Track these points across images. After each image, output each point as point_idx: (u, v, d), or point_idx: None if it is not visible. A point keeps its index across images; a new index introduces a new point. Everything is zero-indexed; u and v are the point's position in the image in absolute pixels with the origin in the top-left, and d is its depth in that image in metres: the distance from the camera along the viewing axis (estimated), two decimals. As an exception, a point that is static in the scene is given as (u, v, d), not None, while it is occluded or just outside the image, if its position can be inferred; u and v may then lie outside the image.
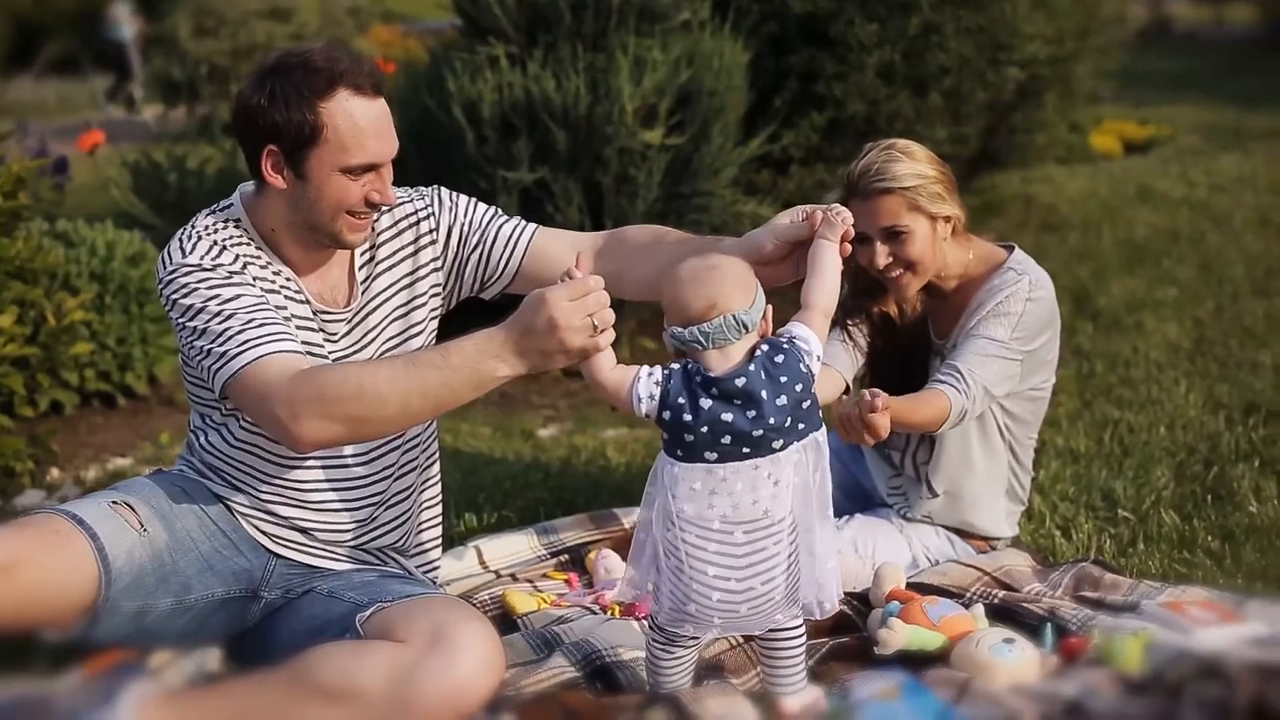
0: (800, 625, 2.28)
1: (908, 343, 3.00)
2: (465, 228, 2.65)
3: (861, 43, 5.51)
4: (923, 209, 2.79)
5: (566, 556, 3.19)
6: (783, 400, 2.11)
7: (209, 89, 11.46)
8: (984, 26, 5.79)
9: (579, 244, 2.65)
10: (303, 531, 2.55)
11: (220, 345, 2.29)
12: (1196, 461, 3.68)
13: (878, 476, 3.14)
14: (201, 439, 2.55)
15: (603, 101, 4.77)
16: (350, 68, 2.36)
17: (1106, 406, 4.23)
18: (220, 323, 2.31)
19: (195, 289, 2.34)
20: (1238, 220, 6.77)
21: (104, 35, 16.48)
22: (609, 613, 2.83)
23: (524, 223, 2.69)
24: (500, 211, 2.71)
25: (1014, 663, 2.38)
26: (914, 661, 2.46)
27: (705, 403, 2.11)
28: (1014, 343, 2.81)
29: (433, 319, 2.67)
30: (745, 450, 2.11)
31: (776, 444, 2.12)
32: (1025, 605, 2.67)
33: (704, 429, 2.11)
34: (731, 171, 5.19)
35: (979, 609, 2.59)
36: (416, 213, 2.64)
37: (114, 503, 2.39)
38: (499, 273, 2.66)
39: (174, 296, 2.36)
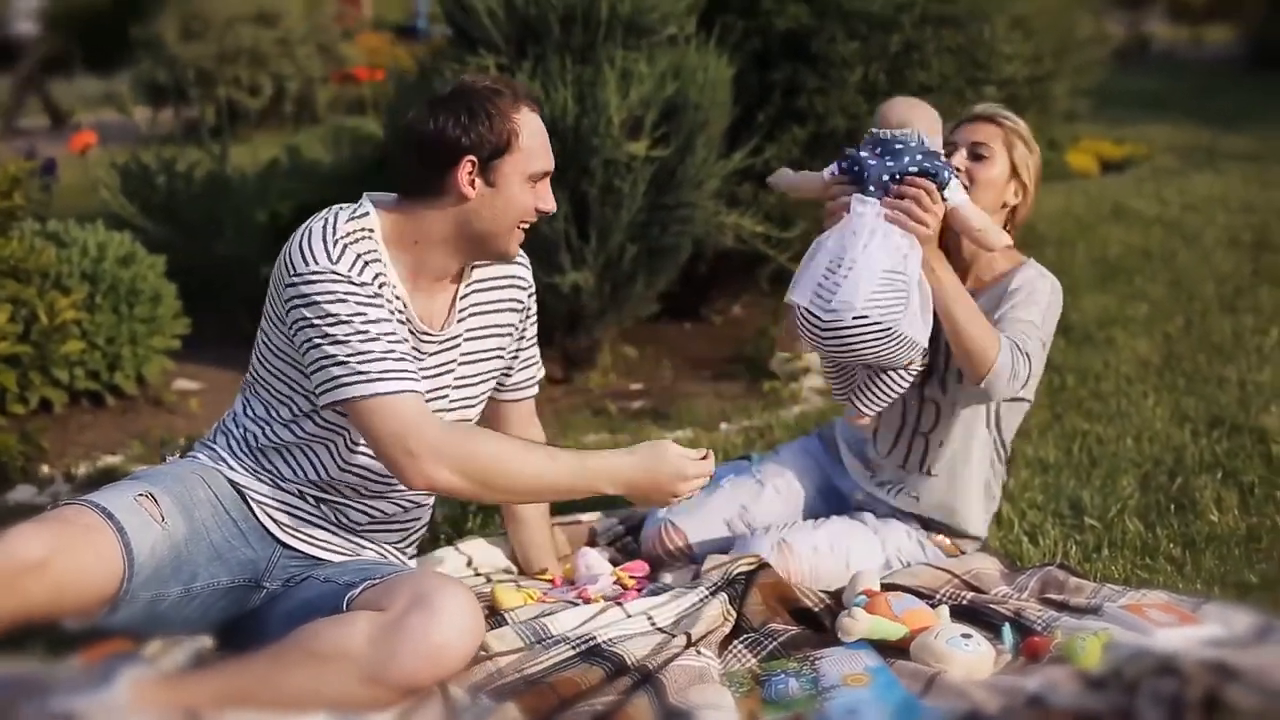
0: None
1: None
2: (524, 328, 2.87)
3: (844, 59, 5.60)
4: (1012, 151, 2.96)
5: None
6: (905, 160, 2.76)
7: (196, 92, 11.47)
8: (963, 45, 5.88)
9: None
10: (321, 519, 2.66)
11: (360, 363, 2.39)
12: (1161, 472, 3.77)
13: (858, 476, 3.22)
14: (263, 428, 2.62)
15: (589, 113, 4.85)
16: (519, 86, 2.57)
17: (1076, 419, 4.33)
18: (363, 341, 2.40)
19: (344, 300, 2.42)
20: (1208, 239, 6.88)
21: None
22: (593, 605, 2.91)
23: (536, 377, 2.97)
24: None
25: (969, 655, 2.48)
26: (875, 647, 2.56)
27: (863, 153, 2.82)
28: (1046, 327, 2.91)
29: (492, 376, 2.81)
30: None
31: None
32: (992, 606, 2.75)
33: (867, 172, 2.79)
34: (715, 184, 5.27)
35: (944, 610, 2.68)
36: (522, 278, 2.80)
37: (139, 495, 2.45)
38: (497, 386, 2.89)
39: (317, 298, 2.42)
